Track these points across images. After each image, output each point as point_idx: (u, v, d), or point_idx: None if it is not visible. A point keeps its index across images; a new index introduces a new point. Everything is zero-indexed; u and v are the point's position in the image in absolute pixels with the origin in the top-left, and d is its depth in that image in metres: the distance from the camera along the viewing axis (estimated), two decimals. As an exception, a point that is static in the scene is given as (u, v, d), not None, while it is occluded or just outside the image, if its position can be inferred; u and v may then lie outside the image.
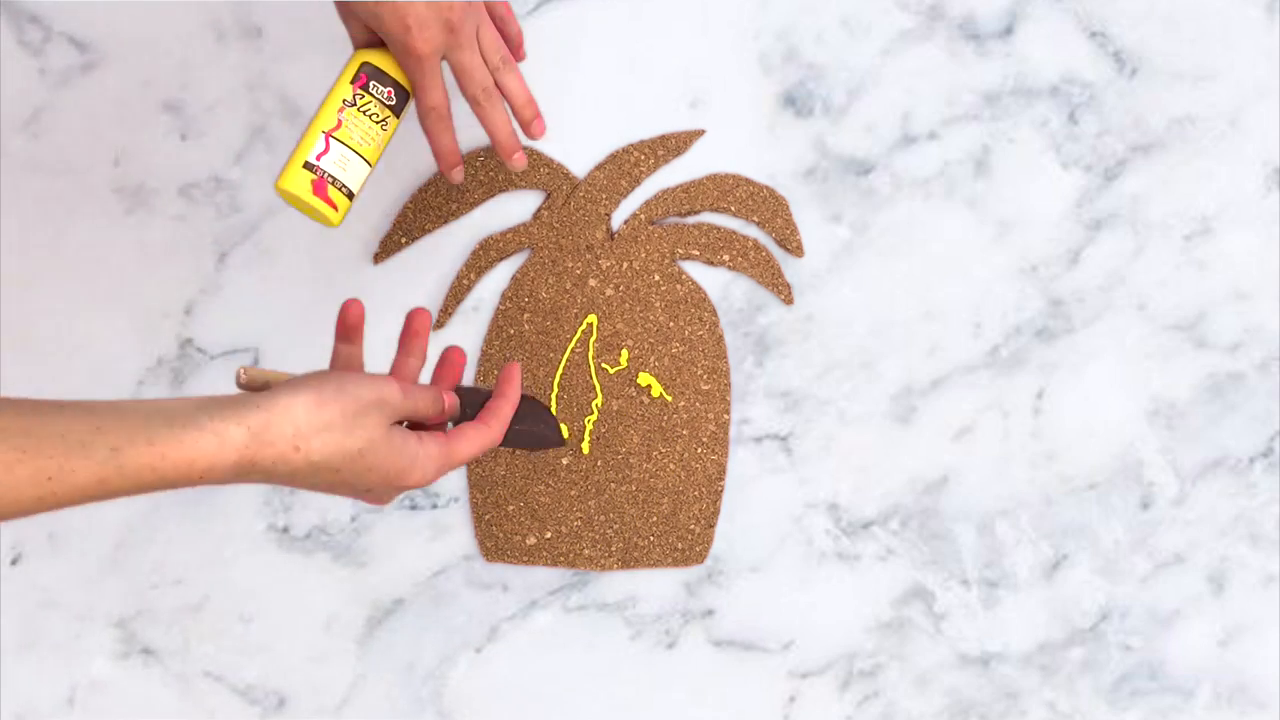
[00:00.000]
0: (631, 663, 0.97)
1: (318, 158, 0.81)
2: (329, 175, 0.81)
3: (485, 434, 0.75)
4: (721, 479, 0.96)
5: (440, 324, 0.96)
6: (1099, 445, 0.97)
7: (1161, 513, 0.97)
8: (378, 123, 0.82)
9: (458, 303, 0.96)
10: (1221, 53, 0.96)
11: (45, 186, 0.97)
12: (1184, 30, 0.96)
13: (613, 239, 0.95)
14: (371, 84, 0.81)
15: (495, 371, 0.96)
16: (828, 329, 0.97)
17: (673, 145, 0.96)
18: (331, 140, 0.81)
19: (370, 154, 0.82)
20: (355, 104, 0.81)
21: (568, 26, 0.96)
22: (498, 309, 0.96)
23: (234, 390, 0.72)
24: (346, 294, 0.94)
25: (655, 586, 0.97)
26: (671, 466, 0.96)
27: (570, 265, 0.95)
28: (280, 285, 0.97)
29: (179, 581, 0.98)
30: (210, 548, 0.98)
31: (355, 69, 0.81)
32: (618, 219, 0.96)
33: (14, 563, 0.98)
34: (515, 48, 0.88)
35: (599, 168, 0.96)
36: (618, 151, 0.96)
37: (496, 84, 0.84)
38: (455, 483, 0.97)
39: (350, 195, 0.82)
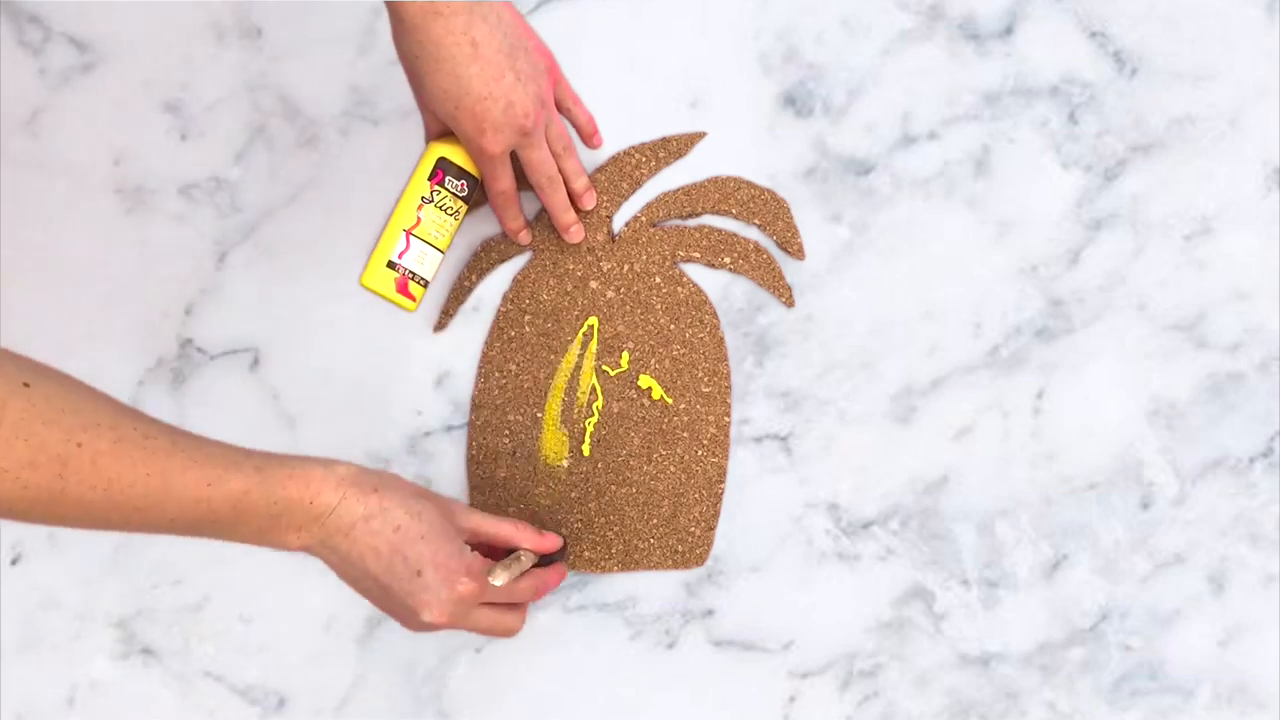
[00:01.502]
0: (631, 663, 0.97)
1: (399, 255, 0.87)
2: (409, 271, 0.87)
3: (512, 600, 0.85)
4: (722, 481, 0.96)
5: (441, 325, 0.96)
6: (1099, 445, 0.97)
7: (1161, 513, 0.97)
8: (451, 214, 0.88)
9: (459, 304, 0.96)
10: (1221, 53, 0.96)
11: (45, 186, 0.97)
12: (1184, 30, 0.96)
13: (614, 241, 0.95)
14: (447, 179, 0.87)
15: (496, 373, 0.96)
16: (828, 329, 0.97)
17: (674, 148, 0.96)
18: (411, 238, 0.87)
19: (443, 244, 0.88)
20: (433, 200, 0.87)
21: (568, 26, 0.96)
22: (499, 311, 0.96)
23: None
24: (346, 294, 0.95)
25: (655, 587, 0.97)
26: (672, 469, 0.96)
27: (571, 267, 0.95)
28: (280, 285, 0.97)
29: (179, 581, 0.98)
30: (210, 548, 0.97)
31: (431, 165, 0.87)
32: (619, 221, 0.96)
33: (14, 563, 0.98)
34: (589, 135, 0.95)
35: (600, 170, 0.96)
36: (618, 154, 0.96)
37: (559, 168, 0.91)
38: (455, 483, 0.97)
39: (426, 284, 0.88)
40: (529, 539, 0.87)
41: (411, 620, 0.80)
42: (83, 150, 0.97)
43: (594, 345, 0.96)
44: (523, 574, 0.85)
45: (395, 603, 0.79)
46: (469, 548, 0.82)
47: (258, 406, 0.97)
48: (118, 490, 0.69)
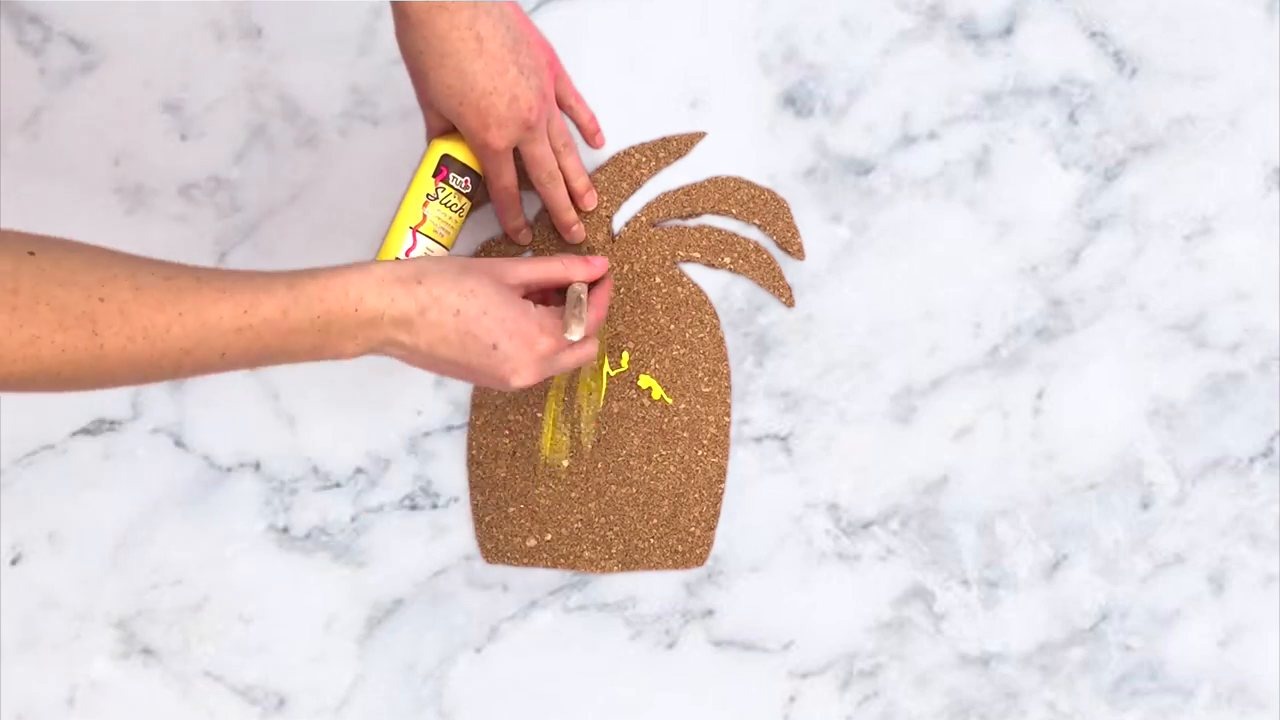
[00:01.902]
0: (631, 663, 0.97)
1: (407, 253, 0.86)
2: None
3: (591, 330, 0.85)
4: (722, 481, 0.96)
5: (441, 325, 0.96)
6: (1099, 445, 0.97)
7: (1161, 513, 0.97)
8: (456, 211, 0.88)
9: (458, 304, 0.96)
10: (1221, 53, 0.96)
11: (45, 186, 0.97)
12: (1184, 30, 0.96)
13: (614, 241, 0.95)
14: (451, 176, 0.87)
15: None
16: (828, 329, 0.97)
17: (674, 148, 0.96)
18: (418, 235, 0.86)
19: (448, 241, 0.88)
20: (438, 197, 0.87)
21: (568, 26, 0.96)
22: (498, 310, 0.96)
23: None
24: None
25: (655, 586, 0.97)
26: (672, 469, 0.96)
27: (571, 267, 0.95)
28: (280, 285, 0.97)
29: (179, 581, 0.98)
30: (210, 548, 0.98)
31: (435, 162, 0.87)
32: (619, 221, 0.96)
33: (14, 563, 0.98)
34: (591, 135, 0.94)
35: (600, 170, 0.96)
36: (618, 154, 0.96)
37: (559, 165, 0.91)
38: (455, 483, 0.97)
39: None
40: (579, 270, 0.86)
41: (504, 388, 0.80)
42: (83, 150, 0.97)
43: (594, 345, 0.96)
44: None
45: (482, 377, 0.79)
46: (532, 304, 0.81)
47: (258, 406, 0.97)
48: (157, 336, 0.68)
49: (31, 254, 0.66)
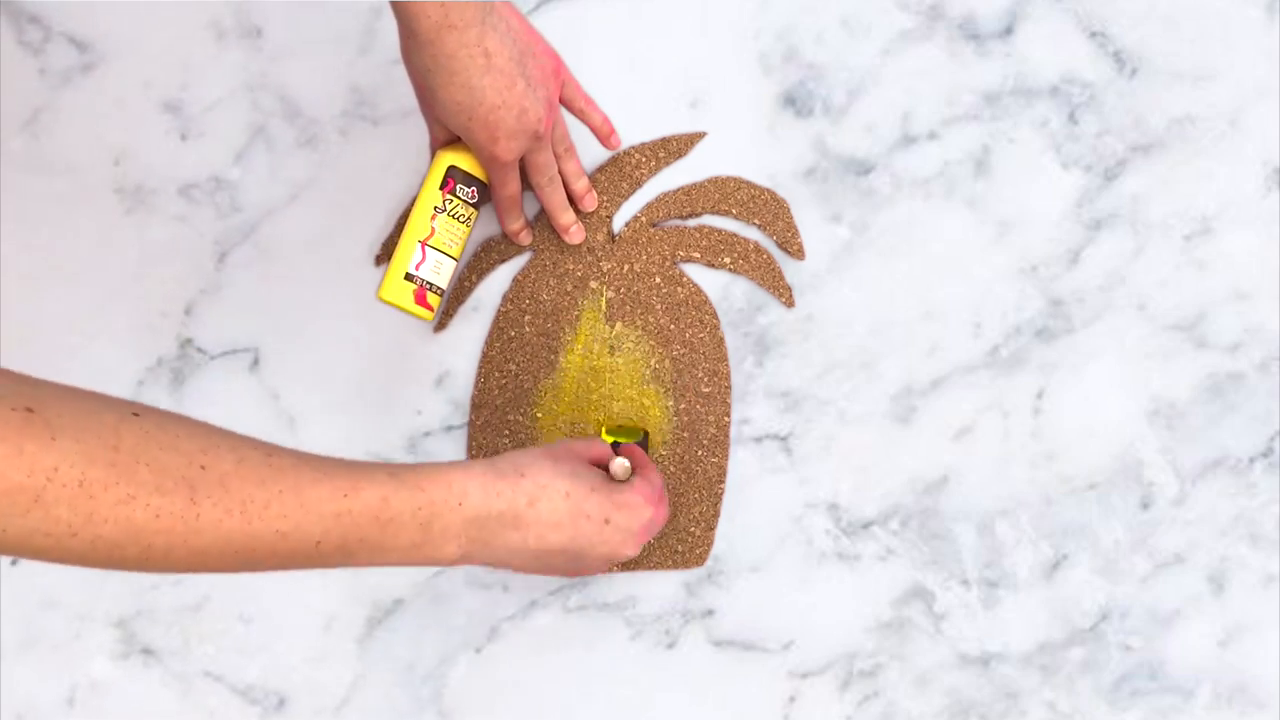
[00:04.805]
0: (631, 663, 0.97)
1: (416, 267, 0.86)
2: (427, 282, 0.87)
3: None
4: (722, 482, 0.96)
5: (441, 325, 0.96)
6: (1099, 445, 0.97)
7: (1161, 513, 0.97)
8: (463, 222, 0.88)
9: (459, 304, 0.96)
10: (1221, 53, 0.96)
11: (45, 186, 0.97)
12: (1184, 30, 0.96)
13: (614, 241, 0.95)
14: (458, 187, 0.87)
15: (496, 373, 0.96)
16: (828, 329, 0.97)
17: (674, 148, 0.96)
18: (427, 249, 0.86)
19: (456, 252, 0.88)
20: (445, 209, 0.87)
21: (568, 26, 0.96)
22: (499, 310, 0.96)
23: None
24: (347, 294, 0.95)
25: (655, 587, 0.97)
26: (672, 469, 0.96)
27: (571, 267, 0.95)
28: (280, 285, 0.97)
29: (179, 581, 0.98)
30: (210, 548, 0.98)
31: (442, 174, 0.87)
32: (619, 221, 0.96)
33: (14, 563, 0.98)
34: (606, 136, 0.94)
35: (600, 170, 0.96)
36: (618, 154, 0.96)
37: (560, 168, 0.91)
38: (455, 483, 0.97)
39: (441, 293, 0.88)
40: (603, 447, 0.85)
41: (604, 566, 0.81)
42: (83, 150, 0.97)
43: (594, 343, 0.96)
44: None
45: (590, 559, 0.79)
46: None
47: (258, 406, 0.97)
48: (255, 512, 0.65)
49: (136, 415, 0.64)
